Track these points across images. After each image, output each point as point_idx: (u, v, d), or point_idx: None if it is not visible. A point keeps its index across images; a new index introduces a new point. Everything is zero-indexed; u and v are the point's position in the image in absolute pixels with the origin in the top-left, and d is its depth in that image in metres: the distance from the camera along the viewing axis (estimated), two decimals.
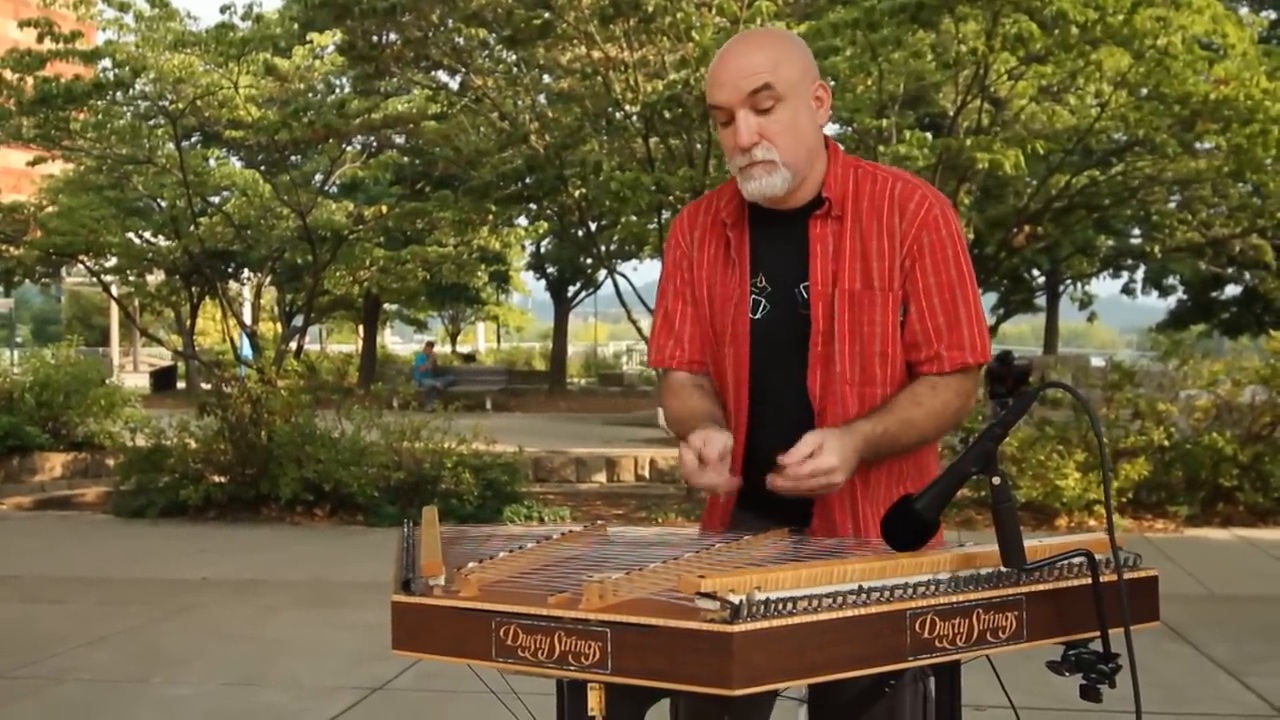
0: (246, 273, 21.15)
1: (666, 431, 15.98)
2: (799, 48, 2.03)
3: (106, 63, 10.89)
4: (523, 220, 15.76)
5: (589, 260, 25.45)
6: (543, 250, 26.71)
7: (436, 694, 4.63)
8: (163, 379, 26.76)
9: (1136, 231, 19.33)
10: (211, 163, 13.92)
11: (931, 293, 2.00)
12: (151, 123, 11.77)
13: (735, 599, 1.39)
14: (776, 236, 2.07)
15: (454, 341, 40.35)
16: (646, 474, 12.29)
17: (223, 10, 13.07)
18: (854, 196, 2.03)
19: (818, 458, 1.84)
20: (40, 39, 9.83)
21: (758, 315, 2.07)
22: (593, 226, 13.80)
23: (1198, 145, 10.85)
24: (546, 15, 10.20)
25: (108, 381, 13.74)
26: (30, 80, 9.75)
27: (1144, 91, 10.00)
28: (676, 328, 2.17)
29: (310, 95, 14.56)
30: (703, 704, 1.98)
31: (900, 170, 2.12)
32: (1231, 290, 23.50)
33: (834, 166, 2.05)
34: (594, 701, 1.50)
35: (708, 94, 2.02)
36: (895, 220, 2.00)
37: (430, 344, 27.31)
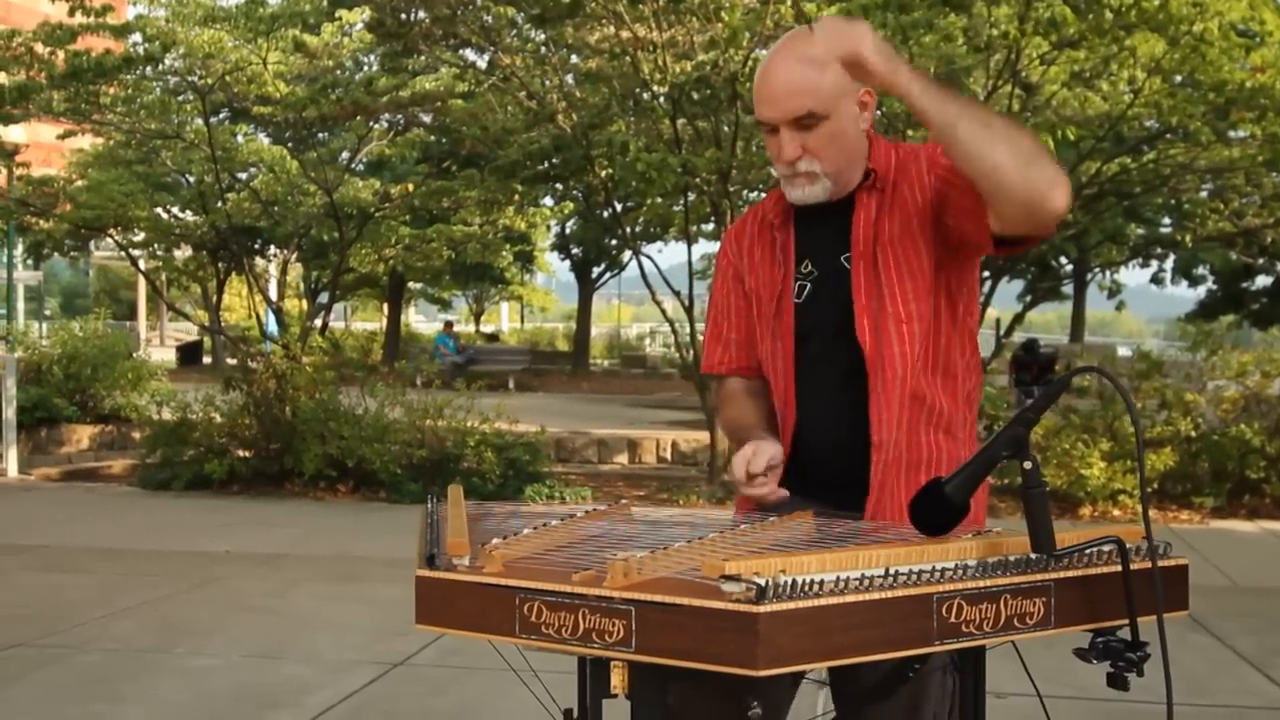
0: (273, 249, 21.19)
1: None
2: None
3: (137, 37, 10.91)
4: (548, 200, 15.73)
5: (614, 241, 25.41)
6: (568, 231, 26.69)
7: (457, 670, 4.65)
8: (189, 353, 26.94)
9: (1167, 220, 19.13)
10: (239, 139, 13.95)
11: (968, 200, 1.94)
12: (181, 98, 11.79)
13: (761, 580, 1.38)
14: (822, 224, 2.12)
15: (478, 321, 40.42)
16: (668, 456, 12.29)
17: None
18: (897, 169, 2.09)
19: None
20: (71, 13, 9.85)
21: (801, 299, 2.12)
22: (618, 207, 13.75)
23: (1232, 133, 10.71)
24: None
25: (134, 355, 13.83)
26: (61, 54, 9.78)
27: (1178, 78, 9.87)
28: (724, 335, 2.24)
29: (338, 72, 14.56)
30: (703, 689, 1.98)
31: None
32: (1262, 281, 23.26)
33: (876, 147, 2.11)
34: (617, 680, 1.50)
35: (755, 105, 2.07)
36: (924, 168, 2.06)
37: (450, 323, 27.35)
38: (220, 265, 16.00)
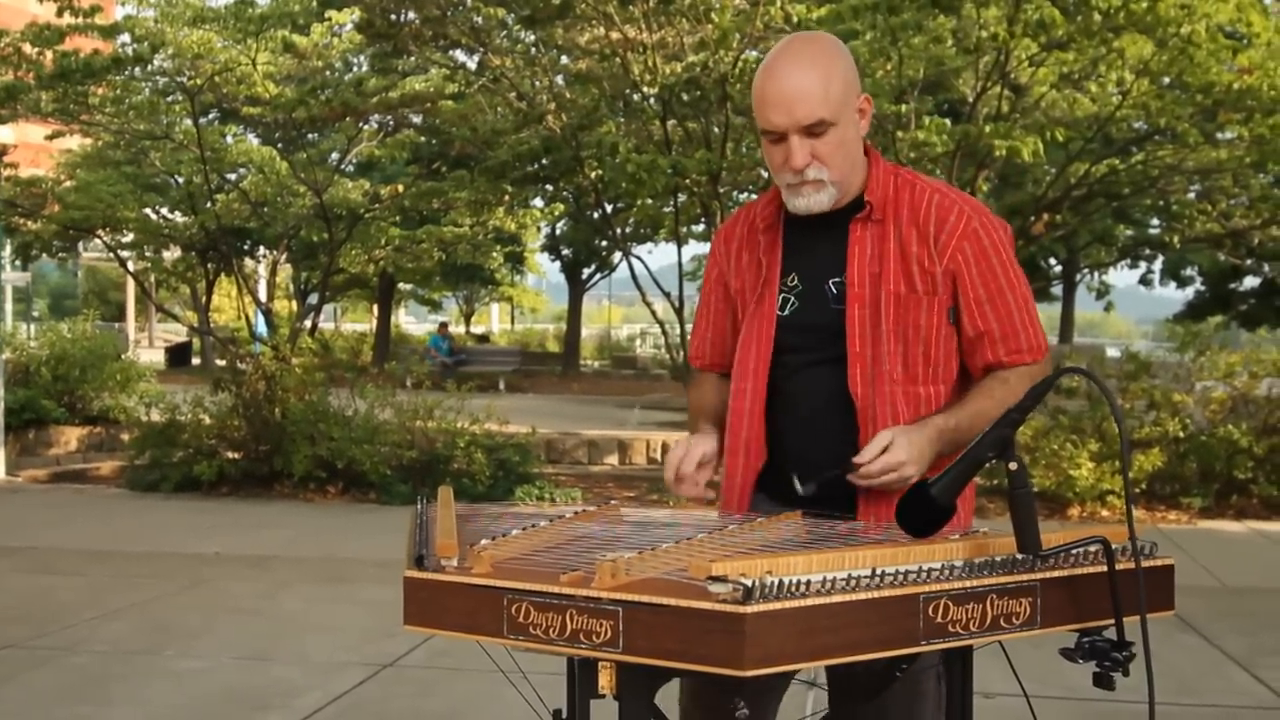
0: (262, 250, 21.16)
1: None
2: (844, 61, 2.05)
3: (125, 38, 10.87)
4: (538, 201, 15.72)
5: (604, 242, 25.41)
6: (558, 232, 26.68)
7: (446, 671, 4.64)
8: (178, 355, 26.87)
9: (1155, 221, 19.20)
10: (229, 139, 13.90)
11: (983, 303, 2.06)
12: (169, 99, 11.75)
13: (747, 581, 1.38)
14: (812, 237, 2.13)
15: (468, 322, 40.40)
16: (658, 457, 12.28)
17: None
18: (894, 203, 2.09)
19: (888, 454, 1.94)
20: (60, 13, 9.81)
21: (785, 312, 2.13)
22: (608, 208, 13.76)
23: (1219, 135, 10.76)
24: None
25: (123, 356, 13.78)
26: (49, 54, 9.75)
27: (1166, 80, 9.90)
28: (703, 332, 2.34)
29: (328, 73, 14.52)
30: (707, 687, 1.99)
31: (938, 181, 2.17)
32: (1250, 282, 23.38)
33: (875, 171, 2.11)
34: (604, 680, 1.50)
35: (757, 114, 2.06)
36: (931, 230, 2.06)
37: (444, 325, 27.36)
38: (209, 266, 15.94)
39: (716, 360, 2.31)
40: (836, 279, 2.08)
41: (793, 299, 2.12)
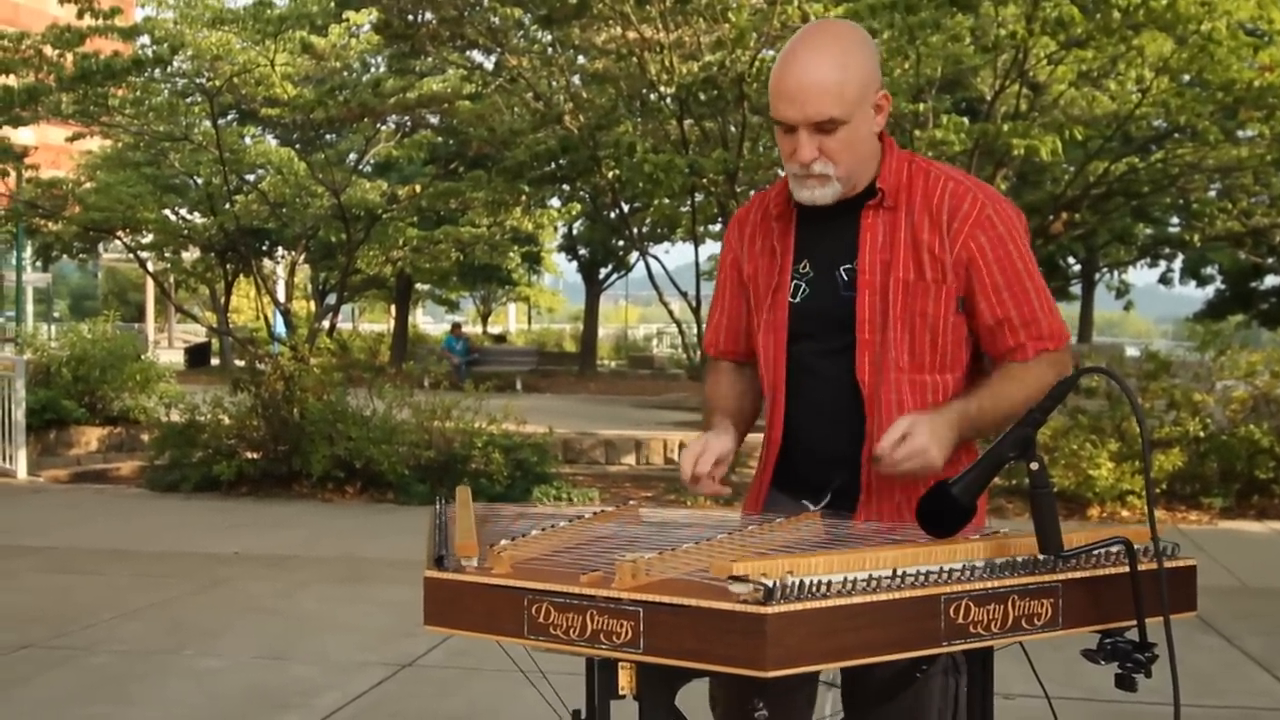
0: (281, 251, 21.27)
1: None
2: (864, 57, 2.02)
3: (145, 39, 10.93)
4: (555, 201, 15.75)
5: (621, 242, 25.43)
6: (575, 232, 26.71)
7: (465, 671, 4.65)
8: (197, 355, 27.01)
9: (1175, 220, 19.11)
10: (247, 140, 13.98)
11: (1000, 289, 2.04)
12: (189, 100, 11.82)
13: (769, 581, 1.38)
14: (824, 224, 2.11)
15: (485, 322, 40.48)
16: (675, 457, 12.27)
17: None
18: (908, 189, 2.07)
19: (909, 440, 1.90)
20: (80, 15, 9.87)
21: (797, 299, 2.12)
22: (625, 208, 13.77)
23: (1240, 133, 10.70)
24: None
25: (143, 357, 13.85)
26: (70, 57, 9.81)
27: (1186, 78, 9.85)
28: (716, 319, 2.32)
29: (346, 74, 14.57)
30: (728, 688, 1.99)
31: (953, 168, 2.14)
32: (1271, 280, 23.23)
33: (889, 159, 2.09)
34: (625, 681, 1.50)
35: (771, 101, 2.04)
36: (944, 217, 2.03)
37: (457, 325, 27.41)
38: (228, 267, 16.04)
39: (730, 347, 2.30)
40: (847, 265, 2.07)
41: (804, 285, 2.11)
